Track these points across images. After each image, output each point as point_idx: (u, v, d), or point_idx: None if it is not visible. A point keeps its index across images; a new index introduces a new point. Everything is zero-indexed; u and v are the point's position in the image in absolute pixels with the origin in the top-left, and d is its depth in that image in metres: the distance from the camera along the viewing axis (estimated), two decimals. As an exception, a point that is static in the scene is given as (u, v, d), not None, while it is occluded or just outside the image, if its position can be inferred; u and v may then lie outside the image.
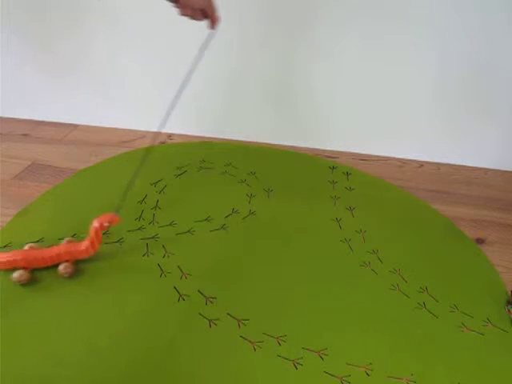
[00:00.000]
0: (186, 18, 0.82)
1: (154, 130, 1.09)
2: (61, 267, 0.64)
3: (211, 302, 0.62)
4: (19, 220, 0.77)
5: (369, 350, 0.56)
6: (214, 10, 0.68)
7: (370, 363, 0.54)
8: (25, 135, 1.07)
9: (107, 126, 1.11)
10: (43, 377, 0.52)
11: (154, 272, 0.66)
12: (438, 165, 0.98)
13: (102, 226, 0.65)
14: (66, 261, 0.65)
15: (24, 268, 0.64)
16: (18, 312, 0.59)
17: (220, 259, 0.69)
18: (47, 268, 0.65)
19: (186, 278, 0.66)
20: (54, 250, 0.65)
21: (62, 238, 0.72)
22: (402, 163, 0.99)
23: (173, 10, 0.93)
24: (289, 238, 0.74)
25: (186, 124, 1.07)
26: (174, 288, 0.64)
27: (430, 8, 0.82)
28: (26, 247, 0.67)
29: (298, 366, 0.54)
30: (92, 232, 0.65)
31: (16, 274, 0.63)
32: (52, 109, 1.12)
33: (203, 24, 0.95)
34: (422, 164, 0.98)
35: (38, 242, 0.71)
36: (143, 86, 1.04)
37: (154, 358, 0.54)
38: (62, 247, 0.66)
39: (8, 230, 0.74)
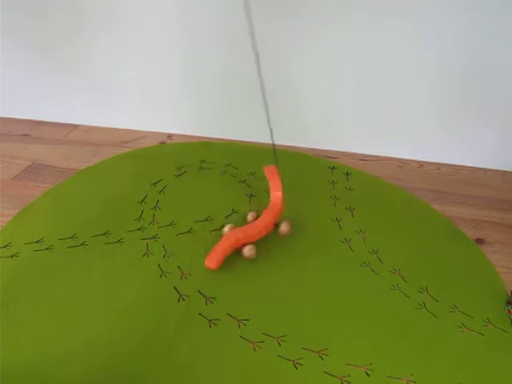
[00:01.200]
0: (182, 20, 0.82)
1: (154, 130, 1.10)
2: (245, 250, 0.67)
3: (211, 302, 0.62)
4: (19, 220, 0.77)
5: (369, 350, 0.56)
6: None
7: (370, 363, 0.54)
8: (25, 135, 1.07)
9: (107, 126, 1.11)
10: (43, 377, 0.52)
11: (154, 272, 0.66)
12: (438, 165, 0.98)
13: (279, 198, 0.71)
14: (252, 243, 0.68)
15: (245, 244, 0.68)
16: (18, 312, 0.60)
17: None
18: None
19: (185, 278, 0.66)
20: (261, 224, 0.69)
21: (64, 239, 0.72)
22: (402, 163, 0.98)
23: (172, 12, 0.94)
24: (288, 238, 0.74)
25: (186, 124, 1.07)
26: (174, 288, 0.64)
27: (430, 10, 0.82)
28: (227, 228, 0.71)
29: (298, 366, 0.54)
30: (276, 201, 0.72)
31: (246, 250, 0.68)
32: (52, 109, 1.12)
33: (202, 26, 0.95)
34: (421, 164, 0.98)
35: (37, 242, 0.71)
36: (143, 87, 1.04)
37: (153, 358, 0.54)
38: (265, 219, 0.70)
39: (8, 229, 0.74)
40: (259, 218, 0.71)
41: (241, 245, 0.68)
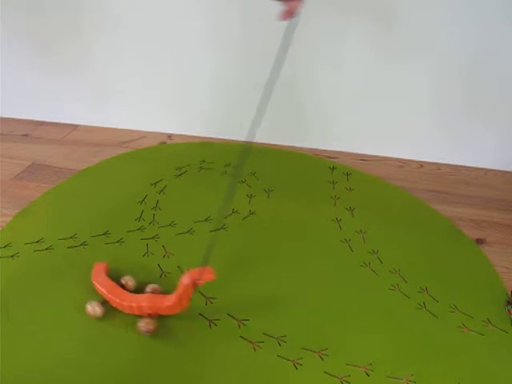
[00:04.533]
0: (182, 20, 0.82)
1: (154, 130, 1.10)
2: (142, 324, 0.57)
3: (211, 302, 0.62)
4: (19, 220, 0.77)
5: (369, 350, 0.56)
6: None
7: (370, 363, 0.54)
8: (25, 135, 1.07)
9: (107, 126, 1.11)
10: (43, 377, 0.52)
11: (154, 272, 0.66)
12: (438, 165, 0.98)
13: (194, 283, 0.56)
14: (148, 314, 0.58)
15: (106, 302, 0.59)
16: (18, 312, 0.60)
17: (220, 259, 0.69)
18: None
19: (186, 278, 0.66)
20: (137, 300, 0.58)
21: (64, 239, 0.72)
22: (402, 163, 0.98)
23: (172, 12, 0.94)
24: (289, 238, 0.74)
25: (186, 124, 1.07)
26: (174, 288, 0.64)
27: (429, 12, 0.82)
28: (124, 281, 0.62)
29: (298, 366, 0.54)
30: (181, 288, 0.56)
31: (89, 305, 0.59)
32: (52, 109, 1.12)
33: (202, 26, 0.95)
34: (421, 164, 0.98)
35: (37, 242, 0.71)
36: (143, 87, 1.03)
37: (153, 359, 0.54)
38: (145, 300, 0.58)
39: (8, 230, 0.74)
40: (138, 296, 0.59)
41: (105, 299, 0.60)
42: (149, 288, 0.61)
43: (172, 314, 0.58)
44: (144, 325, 0.57)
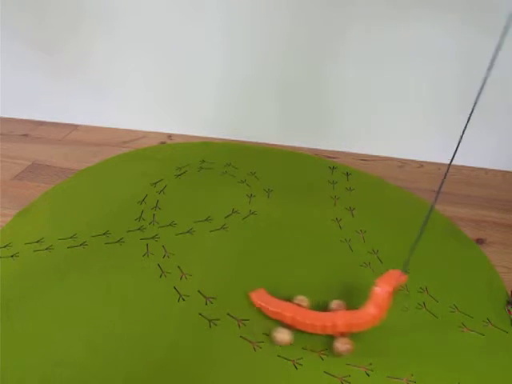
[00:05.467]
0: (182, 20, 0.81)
1: (154, 130, 1.10)
2: (338, 344, 0.54)
3: (211, 302, 0.62)
4: (19, 220, 0.77)
5: (369, 350, 0.56)
6: None
7: (370, 363, 0.54)
8: (25, 135, 1.07)
9: (107, 126, 1.11)
10: (43, 377, 0.52)
11: (154, 272, 0.66)
12: (438, 165, 0.98)
13: (394, 289, 0.52)
14: (340, 333, 0.55)
15: (288, 327, 0.56)
16: (18, 312, 0.60)
17: (220, 259, 0.69)
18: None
19: (185, 278, 0.66)
20: (330, 319, 0.55)
21: (64, 239, 0.72)
22: (402, 163, 0.99)
23: (173, 11, 0.94)
24: (289, 238, 0.74)
25: (186, 124, 1.07)
26: (174, 288, 0.64)
27: (429, 11, 0.82)
28: (297, 301, 0.59)
29: (298, 366, 0.54)
30: (379, 298, 0.53)
31: (279, 334, 0.55)
32: (52, 109, 1.12)
33: (203, 25, 0.95)
34: (421, 164, 0.98)
35: (37, 242, 0.71)
36: (143, 87, 1.04)
37: (153, 359, 0.54)
38: (340, 317, 0.55)
39: (8, 230, 0.74)
40: (331, 314, 0.57)
41: (287, 323, 0.56)
42: (334, 304, 0.59)
43: (369, 328, 0.55)
44: (341, 345, 0.54)
